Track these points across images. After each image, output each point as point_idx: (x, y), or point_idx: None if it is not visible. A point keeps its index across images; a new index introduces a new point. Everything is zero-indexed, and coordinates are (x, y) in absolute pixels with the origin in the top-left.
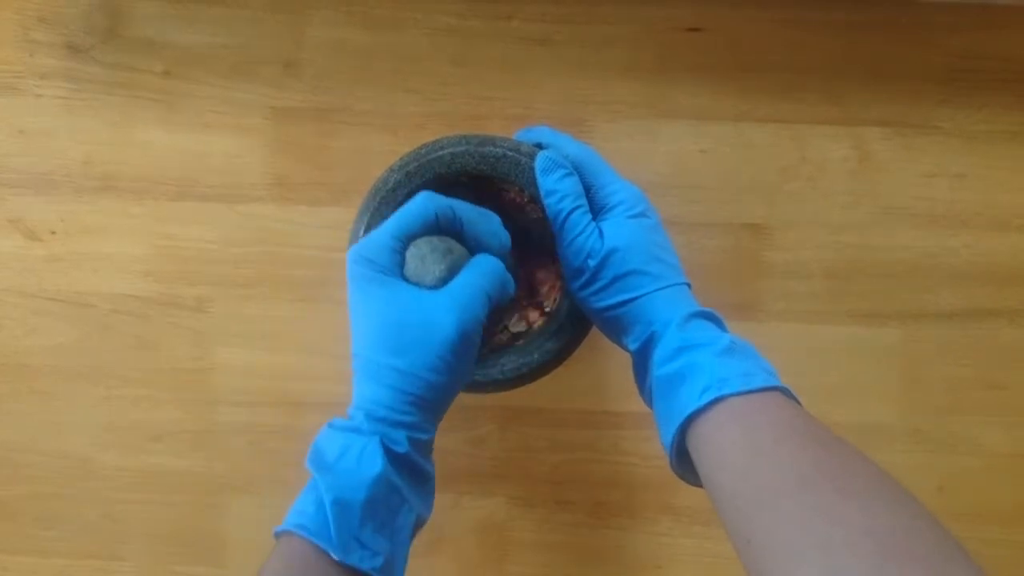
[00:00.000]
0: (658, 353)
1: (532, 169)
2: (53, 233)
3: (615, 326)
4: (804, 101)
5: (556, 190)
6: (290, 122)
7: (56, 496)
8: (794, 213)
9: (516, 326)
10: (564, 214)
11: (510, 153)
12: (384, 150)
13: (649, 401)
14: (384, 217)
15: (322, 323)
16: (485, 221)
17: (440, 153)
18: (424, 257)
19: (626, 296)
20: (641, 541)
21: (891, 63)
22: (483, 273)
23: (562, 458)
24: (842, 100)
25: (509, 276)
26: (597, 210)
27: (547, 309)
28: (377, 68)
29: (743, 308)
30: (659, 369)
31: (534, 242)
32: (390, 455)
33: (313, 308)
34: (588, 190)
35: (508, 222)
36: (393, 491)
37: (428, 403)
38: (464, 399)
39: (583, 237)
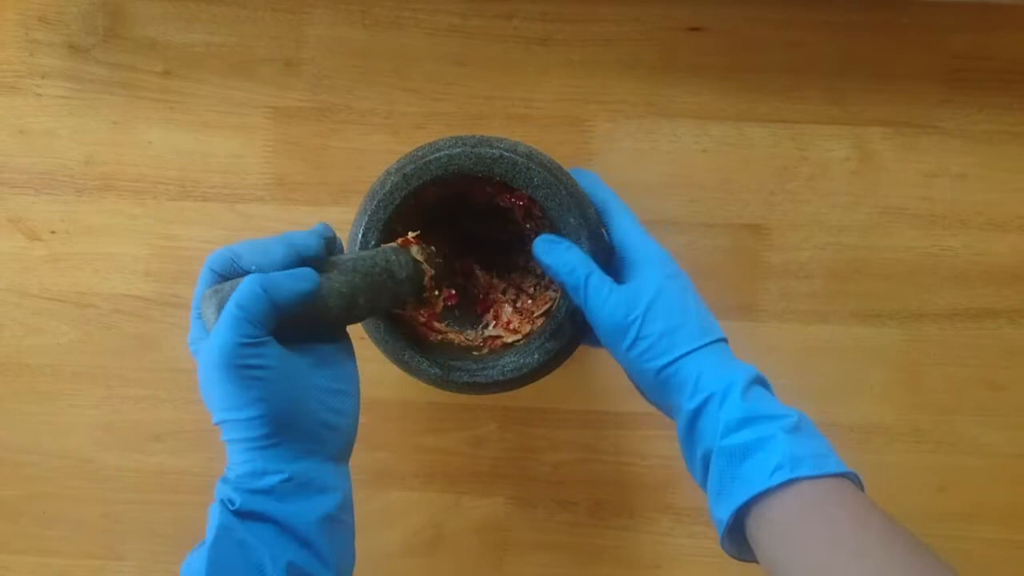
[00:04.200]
0: (721, 422)
1: (529, 169)
2: (53, 233)
3: (666, 387)
4: (805, 101)
5: (566, 261)
6: (290, 122)
7: (56, 496)
8: (794, 213)
9: (510, 336)
10: (583, 281)
11: (507, 154)
12: (384, 150)
13: (701, 469)
14: (381, 220)
15: None
16: (262, 247)
17: (437, 155)
18: (203, 315)
19: (675, 354)
20: (641, 541)
21: (891, 63)
22: (233, 296)
23: (562, 458)
24: (843, 100)
25: (272, 275)
26: (627, 265)
27: (536, 315)
28: (377, 67)
29: (743, 308)
30: (723, 439)
31: (521, 252)
32: (226, 515)
33: None
34: (619, 245)
35: (499, 230)
36: (242, 547)
37: (258, 442)
38: (464, 399)
39: (617, 295)
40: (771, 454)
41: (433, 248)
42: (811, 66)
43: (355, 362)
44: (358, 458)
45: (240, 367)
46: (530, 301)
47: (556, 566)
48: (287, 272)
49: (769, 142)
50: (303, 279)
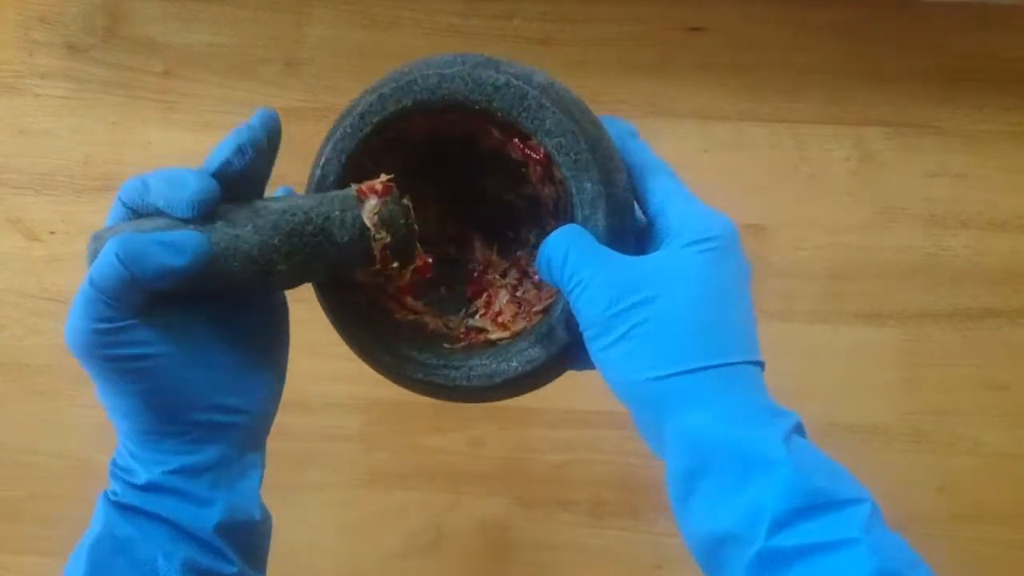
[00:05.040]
0: (767, 506)
1: (541, 107)
2: (53, 233)
3: (657, 407)
4: (805, 101)
5: (548, 245)
6: (290, 121)
7: (56, 496)
8: (794, 213)
9: (496, 331)
10: (563, 254)
11: (515, 82)
12: None
13: (709, 553)
14: (345, 152)
15: (322, 323)
16: (173, 178)
17: (425, 74)
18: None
19: (677, 367)
20: (641, 541)
21: (891, 63)
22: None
23: (562, 458)
24: (843, 100)
25: (139, 239)
26: (659, 239)
27: (536, 310)
28: (377, 67)
29: None
30: (773, 536)
31: (534, 226)
32: (110, 509)
33: (313, 308)
34: (654, 215)
35: (511, 191)
36: (128, 545)
37: (134, 432)
38: None
39: (609, 270)
40: (850, 569)
41: (408, 203)
42: (812, 66)
43: (282, 330)
44: (358, 458)
45: (99, 358)
46: (534, 292)
47: (556, 566)
48: (162, 239)
49: (770, 142)
50: (179, 252)
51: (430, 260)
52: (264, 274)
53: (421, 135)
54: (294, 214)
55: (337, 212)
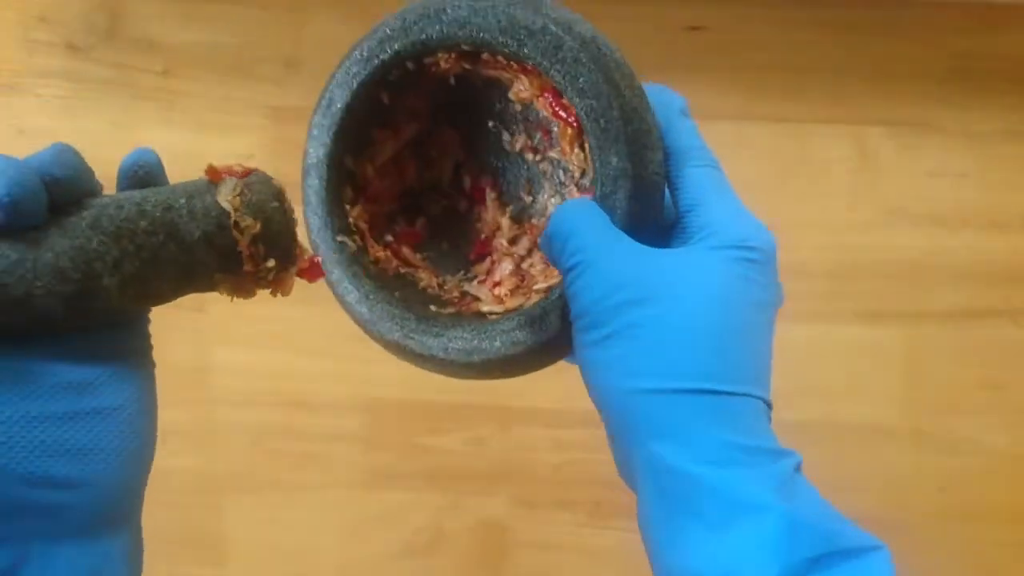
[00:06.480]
0: (773, 548)
1: (577, 62)
2: None
3: (631, 426)
4: (805, 100)
5: (555, 222)
6: (290, 121)
7: None
8: (794, 213)
9: (490, 304)
10: (565, 235)
11: (553, 28)
12: None
13: None
14: (358, 77)
15: (322, 323)
16: None
17: (457, 3)
18: None
19: (668, 383)
20: (641, 541)
21: (892, 63)
22: None
23: (563, 458)
24: (843, 99)
25: None
26: (685, 240)
27: (537, 287)
28: None
29: None
30: None
31: (550, 190)
32: None
33: (313, 308)
34: (684, 210)
35: (522, 152)
36: None
37: None
38: (464, 398)
39: (619, 260)
40: None
41: (279, 185)
42: (811, 65)
43: (134, 353)
44: (358, 458)
45: None
46: (541, 267)
47: (556, 567)
48: None
49: (769, 142)
50: None
51: (319, 259)
52: (84, 292)
53: (447, 72)
54: (120, 207)
55: (183, 200)
